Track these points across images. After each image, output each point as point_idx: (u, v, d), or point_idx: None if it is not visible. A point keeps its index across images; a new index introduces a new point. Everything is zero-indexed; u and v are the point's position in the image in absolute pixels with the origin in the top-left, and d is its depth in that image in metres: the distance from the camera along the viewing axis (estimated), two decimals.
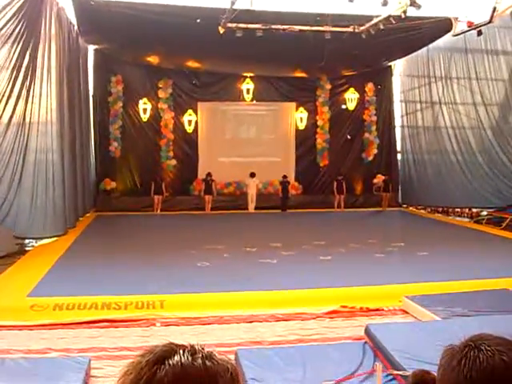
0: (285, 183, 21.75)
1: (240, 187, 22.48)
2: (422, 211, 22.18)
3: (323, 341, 7.05)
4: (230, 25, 15.21)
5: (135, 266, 11.31)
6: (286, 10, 15.71)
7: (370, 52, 18.56)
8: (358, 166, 23.65)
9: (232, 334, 7.40)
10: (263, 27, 15.72)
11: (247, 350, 6.39)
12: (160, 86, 22.07)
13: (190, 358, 1.23)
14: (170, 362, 1.21)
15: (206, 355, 1.25)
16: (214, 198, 21.40)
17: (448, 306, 7.66)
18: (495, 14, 14.67)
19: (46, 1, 13.99)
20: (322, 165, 23.54)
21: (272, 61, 19.42)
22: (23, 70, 13.50)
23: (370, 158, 23.66)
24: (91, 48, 20.32)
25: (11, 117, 13.53)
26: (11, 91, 13.35)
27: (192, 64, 21.07)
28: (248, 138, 23.33)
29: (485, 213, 18.91)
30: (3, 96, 13.24)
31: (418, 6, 13.78)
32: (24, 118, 13.76)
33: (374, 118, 23.66)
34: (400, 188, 23.82)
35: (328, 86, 23.29)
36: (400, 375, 5.37)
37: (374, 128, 23.67)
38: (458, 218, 20.01)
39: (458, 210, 20.80)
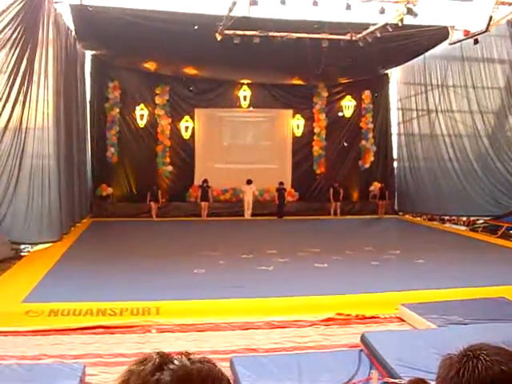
0: (281, 190, 21.76)
1: (236, 194, 22.48)
2: (418, 219, 22.19)
3: (319, 348, 7.03)
4: (227, 32, 15.24)
5: (131, 272, 11.29)
6: (283, 18, 15.73)
7: (366, 60, 18.61)
8: (355, 173, 23.69)
9: (227, 341, 7.37)
10: (260, 34, 15.76)
11: (242, 357, 6.37)
12: (157, 92, 22.10)
13: (188, 362, 1.25)
14: (172, 367, 1.23)
15: (201, 359, 1.27)
16: (211, 205, 21.40)
17: (444, 314, 7.64)
18: (491, 23, 14.74)
19: (44, 7, 14.00)
20: (318, 172, 23.57)
21: (269, 68, 19.47)
22: (20, 75, 13.50)
23: (367, 166, 23.70)
24: (88, 54, 20.31)
25: (8, 122, 13.53)
26: (8, 96, 13.35)
27: (189, 70, 21.11)
28: (245, 144, 23.35)
29: (481, 221, 18.92)
30: (0, 101, 13.24)
31: (415, 15, 13.86)
32: (21, 123, 13.75)
33: (371, 126, 23.73)
34: (396, 195, 23.85)
35: (325, 94, 23.34)
36: (396, 383, 5.36)
37: (370, 135, 23.73)
38: (453, 226, 20.01)
39: (454, 217, 20.80)
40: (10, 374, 5.48)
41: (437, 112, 20.93)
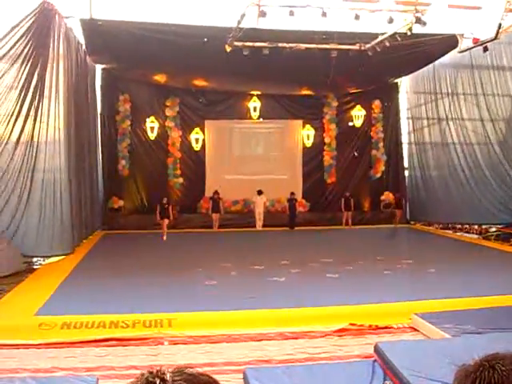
0: (292, 201, 21.71)
1: (247, 205, 22.48)
2: (430, 228, 22.07)
3: (332, 359, 7.00)
4: (236, 43, 15.31)
5: (143, 285, 11.28)
6: (292, 29, 15.79)
7: (376, 69, 18.62)
8: (366, 182, 23.65)
9: (240, 352, 7.35)
10: (270, 45, 15.82)
11: (255, 368, 6.35)
12: (167, 104, 22.20)
13: (194, 371, 1.27)
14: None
15: (199, 372, 1.30)
16: (222, 216, 21.39)
17: (458, 324, 7.59)
18: (501, 31, 14.70)
19: (55, 21, 14.13)
20: (329, 182, 23.55)
21: (279, 79, 19.52)
22: (31, 89, 13.63)
23: (378, 175, 23.65)
24: (99, 67, 20.47)
25: (19, 136, 13.65)
26: (20, 111, 13.48)
27: (199, 82, 21.21)
28: (255, 155, 23.39)
29: (493, 229, 18.80)
30: (12, 115, 13.38)
31: (424, 23, 13.86)
32: (32, 138, 13.86)
33: (381, 135, 23.70)
34: (408, 205, 23.76)
35: (335, 104, 23.37)
36: None
37: (381, 145, 23.69)
38: (466, 235, 19.90)
39: (467, 226, 20.69)
40: None
41: (447, 120, 20.87)
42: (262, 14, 13.99)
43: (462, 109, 20.26)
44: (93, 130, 19.81)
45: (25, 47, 13.26)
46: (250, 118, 22.82)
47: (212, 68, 17.97)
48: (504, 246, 16.47)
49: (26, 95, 13.54)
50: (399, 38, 14.88)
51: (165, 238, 18.34)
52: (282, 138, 23.62)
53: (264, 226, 21.42)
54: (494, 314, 8.24)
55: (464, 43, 17.06)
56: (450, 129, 20.87)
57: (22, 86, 13.43)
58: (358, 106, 23.35)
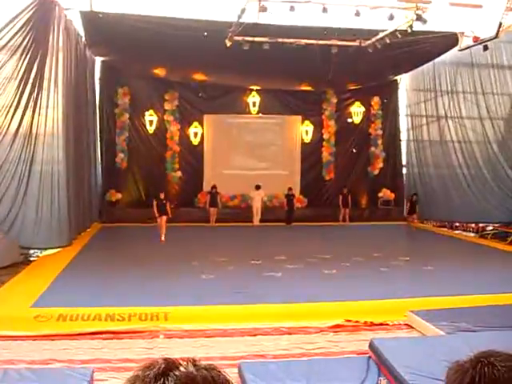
0: (290, 196, 21.69)
1: (245, 200, 22.47)
2: (428, 225, 22.09)
3: (327, 355, 7.01)
4: (236, 38, 15.27)
5: (139, 278, 11.30)
6: (292, 24, 15.75)
7: (376, 66, 18.60)
8: (364, 179, 23.66)
9: (235, 346, 7.37)
10: (270, 40, 15.79)
11: (251, 363, 6.36)
12: (166, 98, 22.17)
13: (194, 369, 1.25)
14: (177, 373, 1.23)
15: (207, 366, 1.27)
16: (219, 211, 21.37)
17: (453, 321, 7.61)
18: (501, 29, 14.70)
19: (54, 13, 14.09)
20: (327, 178, 23.56)
21: (278, 74, 19.50)
22: (31, 81, 13.60)
23: (376, 172, 23.66)
24: (98, 60, 20.42)
25: (18, 128, 13.63)
26: (18, 102, 13.45)
27: (198, 77, 21.16)
28: (253, 150, 23.33)
29: (490, 227, 18.83)
30: (11, 107, 13.35)
31: (424, 21, 13.84)
32: (31, 129, 13.84)
33: (380, 132, 23.70)
34: (405, 202, 23.77)
35: (334, 100, 23.35)
36: None
37: (379, 142, 23.70)
38: (463, 233, 19.92)
39: (464, 224, 20.71)
40: (19, 379, 5.49)
41: (446, 118, 20.89)
42: (263, 9, 13.95)
43: (461, 107, 20.29)
44: (91, 122, 19.78)
45: (24, 38, 13.21)
46: (249, 112, 22.80)
47: (212, 62, 17.91)
48: (501, 245, 16.50)
49: (25, 87, 13.51)
50: (400, 35, 14.86)
51: (163, 238, 16.70)
52: (281, 133, 23.59)
53: (261, 221, 21.40)
54: (489, 311, 8.26)
55: (464, 41, 17.03)
56: (448, 127, 20.90)
57: (21, 78, 13.39)
58: (357, 103, 23.34)
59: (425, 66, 20.57)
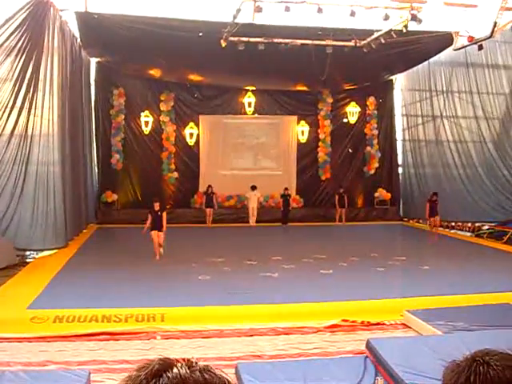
0: (286, 196, 21.68)
1: (241, 200, 22.47)
2: (423, 225, 22.11)
3: (324, 355, 7.02)
4: (232, 38, 15.29)
5: (136, 279, 11.29)
6: (288, 24, 15.77)
7: (371, 66, 18.63)
8: (360, 179, 23.68)
9: (232, 347, 7.37)
10: (265, 41, 15.81)
11: (247, 363, 6.36)
12: (162, 99, 22.16)
13: (187, 371, 1.24)
14: (169, 375, 1.22)
15: (202, 368, 1.26)
16: (215, 211, 21.35)
17: (449, 321, 7.62)
18: (496, 29, 14.74)
19: (49, 14, 14.06)
20: (323, 178, 23.56)
21: (274, 74, 19.50)
22: (26, 82, 13.56)
23: (372, 172, 23.68)
24: (94, 61, 20.41)
25: (13, 128, 13.59)
26: (14, 103, 13.42)
27: (194, 77, 21.16)
28: (249, 151, 23.34)
29: (486, 227, 18.86)
30: (6, 108, 13.31)
31: (419, 21, 13.88)
32: (26, 130, 13.81)
33: (376, 132, 23.72)
34: (401, 201, 23.81)
35: (330, 100, 23.36)
36: None
37: (375, 142, 23.72)
38: (459, 232, 19.94)
39: (460, 223, 20.73)
40: (16, 381, 5.48)
41: (442, 118, 20.92)
42: (258, 10, 13.97)
43: (456, 107, 20.32)
44: (87, 123, 19.76)
45: (19, 39, 13.18)
46: (245, 113, 22.80)
47: (207, 63, 17.92)
48: (497, 244, 16.52)
49: (20, 88, 13.47)
50: (395, 35, 14.90)
51: (158, 256, 13.85)
52: (277, 133, 23.58)
53: (257, 221, 21.40)
54: (485, 311, 8.28)
55: (459, 41, 17.08)
56: (444, 126, 20.93)
57: (17, 79, 13.36)
58: (353, 103, 23.35)
59: (420, 65, 20.61)
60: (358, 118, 23.47)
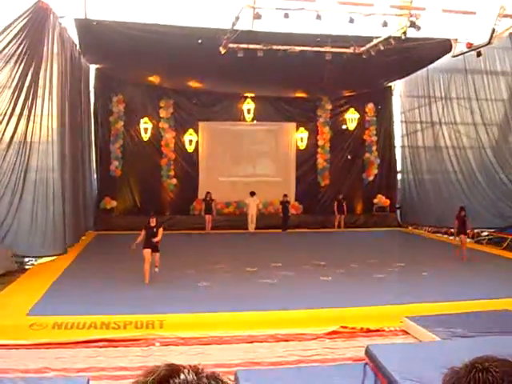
0: (285, 203, 21.69)
1: (240, 207, 22.46)
2: (422, 231, 22.10)
3: (323, 362, 7.01)
4: (231, 45, 15.30)
5: (135, 286, 11.27)
6: (286, 31, 15.80)
7: (370, 73, 18.66)
8: (359, 185, 23.68)
9: (231, 354, 7.35)
10: (264, 48, 15.82)
11: (247, 370, 6.34)
12: (161, 105, 22.17)
13: (195, 377, 1.23)
14: (176, 381, 1.22)
15: (209, 375, 1.26)
16: (214, 218, 21.33)
17: (448, 327, 7.61)
18: (494, 36, 14.77)
19: (49, 21, 14.08)
20: (322, 185, 23.56)
21: (273, 81, 19.52)
22: (25, 89, 13.58)
23: (371, 178, 23.69)
24: (93, 67, 20.43)
25: (13, 136, 13.60)
26: (13, 110, 13.43)
27: (193, 84, 21.18)
28: (248, 157, 23.35)
29: (485, 233, 18.85)
30: (5, 115, 13.33)
31: (418, 28, 13.90)
32: (25, 137, 13.81)
33: (375, 138, 23.74)
34: (400, 207, 23.83)
35: (328, 107, 23.40)
36: None
37: (374, 148, 23.74)
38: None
39: None
40: None
41: (440, 124, 20.94)
42: (257, 16, 14.00)
43: (455, 113, 20.33)
44: (86, 130, 19.76)
45: (19, 46, 13.21)
46: (244, 120, 22.81)
47: (206, 69, 17.94)
48: (496, 250, 16.52)
49: (19, 95, 13.49)
50: (393, 42, 14.92)
51: (147, 280, 11.67)
52: (276, 140, 23.61)
53: (257, 228, 21.38)
54: (484, 317, 8.27)
55: (458, 48, 17.10)
56: (443, 133, 20.94)
57: (16, 86, 13.38)
58: (352, 109, 23.37)
59: (419, 72, 20.64)
60: (357, 124, 23.47)
